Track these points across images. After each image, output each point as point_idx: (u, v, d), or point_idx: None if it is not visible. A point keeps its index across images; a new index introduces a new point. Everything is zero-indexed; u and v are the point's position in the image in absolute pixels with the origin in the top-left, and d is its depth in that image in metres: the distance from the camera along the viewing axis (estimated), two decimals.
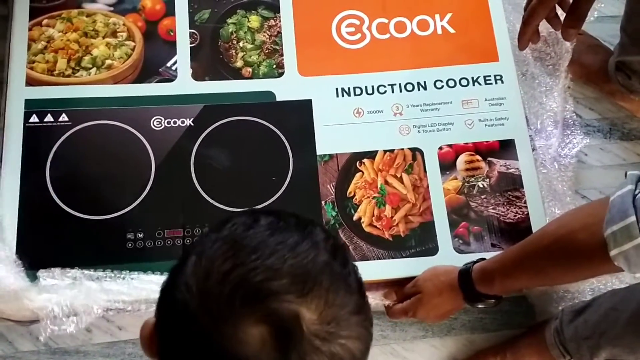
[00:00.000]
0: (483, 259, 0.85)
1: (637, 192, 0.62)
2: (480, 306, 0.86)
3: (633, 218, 0.61)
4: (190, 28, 1.05)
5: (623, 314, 0.81)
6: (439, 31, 1.07)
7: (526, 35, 0.93)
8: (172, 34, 1.04)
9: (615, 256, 0.63)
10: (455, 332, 1.01)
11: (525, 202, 0.99)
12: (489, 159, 1.01)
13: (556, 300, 0.98)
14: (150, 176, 0.97)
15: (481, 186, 0.99)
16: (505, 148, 1.02)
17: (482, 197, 0.99)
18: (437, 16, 1.08)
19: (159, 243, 0.94)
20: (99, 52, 1.02)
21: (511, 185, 0.99)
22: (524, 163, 1.00)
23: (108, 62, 1.02)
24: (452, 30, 1.07)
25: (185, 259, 0.48)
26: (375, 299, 0.93)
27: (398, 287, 0.94)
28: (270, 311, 0.43)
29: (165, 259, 0.93)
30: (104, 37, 1.03)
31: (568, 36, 0.94)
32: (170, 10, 1.06)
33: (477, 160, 1.01)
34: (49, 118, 0.98)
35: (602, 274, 0.79)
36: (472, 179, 1.00)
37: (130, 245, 0.93)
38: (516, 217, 0.98)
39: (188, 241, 0.94)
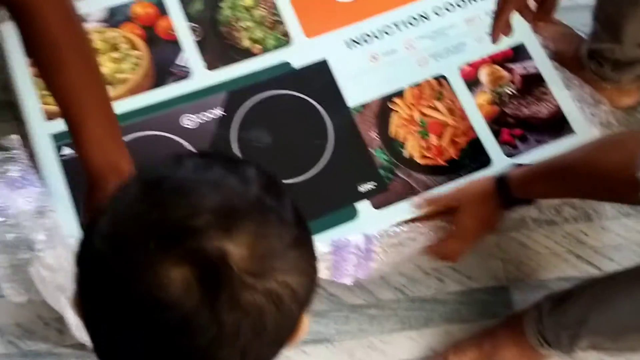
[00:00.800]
0: (519, 165, 0.89)
1: None
2: (515, 210, 0.89)
3: None
4: (188, 22, 1.04)
5: (603, 303, 0.82)
6: None
7: (498, 28, 0.91)
8: (172, 32, 1.03)
9: None
10: (433, 324, 1.02)
11: (552, 95, 1.04)
12: (507, 65, 1.05)
13: (534, 290, 1.01)
14: None
15: (509, 92, 1.04)
16: (518, 52, 1.06)
17: (513, 101, 1.03)
18: None
19: None
20: (107, 69, 1.00)
21: (535, 83, 1.04)
22: (539, 60, 1.05)
23: (120, 76, 1.00)
24: None
25: (104, 209, 0.43)
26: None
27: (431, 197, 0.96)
28: (191, 251, 0.38)
29: None
30: (106, 54, 1.01)
31: (538, 29, 0.98)
32: (163, 11, 1.05)
33: (498, 70, 1.05)
34: None
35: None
36: (499, 88, 1.04)
37: None
38: (549, 111, 1.03)
39: None
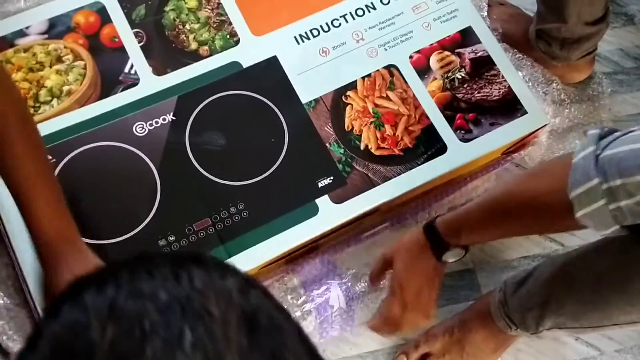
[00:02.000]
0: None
1: (598, 152, 0.63)
2: (450, 260, 0.84)
3: (596, 180, 0.62)
4: (132, 28, 1.02)
5: (563, 282, 0.82)
6: None
7: None
8: (116, 40, 1.02)
9: (580, 217, 0.65)
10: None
11: (503, 77, 1.05)
12: (457, 50, 1.06)
13: (500, 271, 1.01)
14: (156, 181, 0.95)
15: (460, 77, 1.04)
16: (466, 36, 1.07)
17: (465, 86, 1.04)
18: None
19: (193, 238, 0.93)
20: (52, 82, 0.98)
21: (485, 66, 1.05)
22: (488, 43, 1.06)
23: (66, 88, 0.98)
24: None
25: None
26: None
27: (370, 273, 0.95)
28: None
29: (204, 251, 0.92)
30: (51, 66, 0.99)
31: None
32: (105, 18, 1.02)
33: (447, 56, 1.05)
34: None
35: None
36: (450, 74, 1.04)
37: (166, 250, 0.91)
38: (501, 92, 1.04)
39: (219, 226, 0.94)
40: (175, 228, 0.93)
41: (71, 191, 0.93)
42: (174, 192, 0.95)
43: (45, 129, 0.95)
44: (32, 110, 0.97)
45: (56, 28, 1.01)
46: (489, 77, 1.04)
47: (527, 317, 0.87)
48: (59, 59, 1.00)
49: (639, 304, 0.73)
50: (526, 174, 0.82)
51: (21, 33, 1.01)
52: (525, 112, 1.03)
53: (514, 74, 1.04)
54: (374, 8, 1.07)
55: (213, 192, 0.95)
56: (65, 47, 1.00)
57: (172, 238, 0.93)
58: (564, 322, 0.83)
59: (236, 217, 0.94)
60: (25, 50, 1.00)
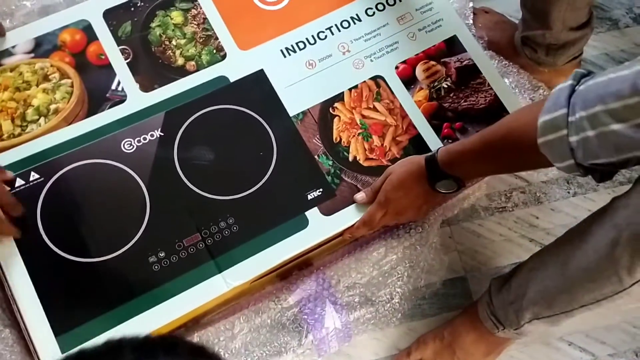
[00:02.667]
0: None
1: (575, 85, 0.65)
2: (442, 190, 0.89)
3: (563, 111, 0.64)
4: (118, 45, 1.03)
5: (537, 272, 0.84)
6: None
7: None
8: (103, 57, 1.02)
9: (541, 144, 0.66)
10: (396, 323, 1.03)
11: (488, 85, 1.05)
12: (442, 60, 1.06)
13: (491, 278, 1.00)
14: (145, 197, 0.95)
15: (446, 86, 1.05)
16: (452, 45, 1.07)
17: (451, 95, 1.04)
18: None
19: (183, 254, 0.93)
20: (39, 101, 0.98)
21: (470, 74, 1.06)
22: (473, 51, 1.07)
23: (53, 107, 0.98)
24: None
25: None
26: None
27: (372, 186, 0.96)
28: None
29: (194, 266, 0.92)
30: (37, 85, 0.99)
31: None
32: (91, 36, 1.03)
33: (433, 65, 1.06)
34: (19, 182, 0.94)
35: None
36: (436, 83, 1.05)
37: (156, 267, 0.91)
38: (487, 100, 1.04)
39: (209, 241, 0.94)
40: (165, 244, 0.93)
41: (60, 210, 0.93)
42: (163, 208, 0.95)
43: (33, 148, 0.96)
44: (19, 130, 0.97)
45: (42, 47, 1.01)
46: (475, 85, 1.05)
47: (509, 312, 0.88)
48: (46, 78, 1.00)
49: (599, 278, 0.74)
50: (511, 114, 0.84)
51: (7, 52, 1.01)
52: None
53: (499, 81, 1.05)
54: (360, 20, 1.08)
55: (202, 207, 0.95)
56: (51, 66, 1.00)
57: (162, 254, 0.92)
58: (539, 311, 0.84)
59: (226, 232, 0.94)
60: (12, 70, 1.00)
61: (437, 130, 1.02)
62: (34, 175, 0.94)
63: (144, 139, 0.98)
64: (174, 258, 0.92)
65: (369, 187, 0.95)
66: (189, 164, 0.97)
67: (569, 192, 1.16)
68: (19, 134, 0.96)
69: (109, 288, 0.90)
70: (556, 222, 1.14)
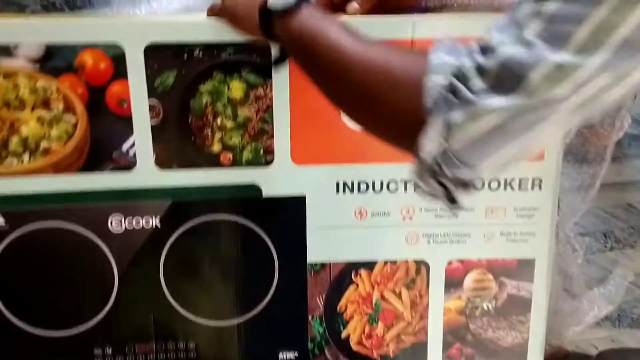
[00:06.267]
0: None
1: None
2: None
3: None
4: (149, 97, 0.79)
5: None
6: None
7: None
8: (125, 105, 0.79)
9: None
10: None
11: (527, 328, 0.92)
12: (502, 278, 0.90)
13: None
14: (114, 285, 0.85)
15: (485, 308, 0.91)
16: (523, 267, 0.90)
17: (484, 319, 0.91)
18: None
19: (129, 359, 0.87)
20: (29, 131, 0.78)
21: (518, 309, 0.91)
22: (538, 287, 0.90)
23: (44, 144, 0.79)
24: None
25: None
26: None
27: None
28: None
29: None
30: (33, 109, 0.78)
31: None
32: (120, 71, 0.77)
33: (488, 280, 0.90)
34: None
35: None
36: (478, 300, 0.90)
37: None
38: (514, 342, 0.92)
39: (161, 356, 0.88)
40: (117, 342, 0.87)
41: (17, 266, 0.83)
42: (128, 304, 0.86)
43: (5, 185, 0.79)
44: None
45: (53, 60, 0.76)
46: (514, 321, 0.91)
47: None
48: (46, 103, 0.78)
49: None
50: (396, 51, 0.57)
51: (6, 50, 0.75)
52: None
53: (540, 332, 0.91)
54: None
55: (170, 320, 0.87)
56: (57, 91, 0.77)
57: (109, 351, 0.87)
58: None
59: (181, 355, 0.88)
60: (7, 76, 0.76)
61: (446, 347, 0.91)
62: None
63: (137, 223, 0.83)
64: (119, 359, 0.87)
65: None
66: (174, 270, 0.85)
67: None
68: None
69: None
70: None
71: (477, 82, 0.48)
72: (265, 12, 0.66)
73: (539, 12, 0.46)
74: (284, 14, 0.63)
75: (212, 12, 0.75)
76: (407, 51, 0.58)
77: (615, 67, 0.45)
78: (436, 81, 0.50)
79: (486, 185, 0.86)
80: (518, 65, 0.47)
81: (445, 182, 0.54)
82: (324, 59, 0.60)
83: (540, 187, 0.86)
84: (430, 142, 0.51)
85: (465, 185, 0.54)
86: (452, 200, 0.55)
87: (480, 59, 0.49)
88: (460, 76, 0.49)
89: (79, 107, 0.78)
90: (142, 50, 0.76)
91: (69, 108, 0.78)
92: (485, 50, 0.49)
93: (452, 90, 0.49)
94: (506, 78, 0.47)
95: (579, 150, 0.93)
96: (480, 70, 0.49)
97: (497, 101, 0.48)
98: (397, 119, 0.55)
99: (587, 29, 0.45)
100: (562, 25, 0.45)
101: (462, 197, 0.55)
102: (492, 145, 0.50)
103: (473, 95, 0.48)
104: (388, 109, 0.55)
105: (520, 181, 0.86)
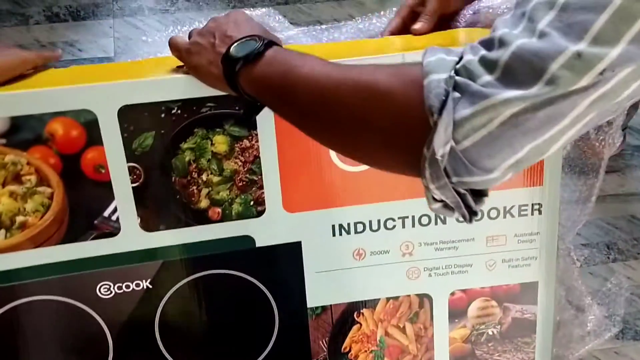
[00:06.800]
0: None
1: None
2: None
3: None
4: (128, 161, 0.74)
5: None
6: None
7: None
8: (103, 171, 0.74)
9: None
10: None
11: (533, 348, 0.91)
12: (505, 304, 0.88)
13: None
14: (109, 350, 0.82)
15: (490, 333, 0.89)
16: (526, 291, 0.88)
17: (489, 344, 0.90)
18: None
19: None
20: (2, 206, 0.73)
21: (523, 331, 0.90)
22: (543, 308, 0.89)
23: (20, 219, 0.74)
24: None
25: None
26: None
27: None
28: None
29: None
30: (4, 185, 0.73)
31: None
32: (93, 137, 0.72)
33: (492, 307, 0.88)
34: None
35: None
36: (482, 327, 0.89)
37: None
38: None
39: None
40: None
41: (5, 347, 0.79)
42: None
43: None
44: None
45: (20, 133, 0.71)
46: (519, 344, 0.90)
47: None
48: (17, 178, 0.73)
49: None
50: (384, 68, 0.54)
51: None
52: None
53: (547, 352, 0.91)
54: (443, 222, 0.83)
55: None
56: (28, 164, 0.72)
57: None
58: None
59: None
60: None
61: None
62: None
63: (127, 286, 0.79)
64: None
65: None
66: (170, 331, 0.82)
67: None
68: None
69: None
70: None
71: (485, 75, 0.46)
72: (229, 61, 0.61)
73: (552, 2, 0.44)
74: (249, 60, 0.59)
75: (172, 48, 0.70)
76: (387, 65, 0.54)
77: (637, 59, 0.43)
78: (437, 79, 0.47)
79: (485, 214, 0.83)
80: (535, 57, 0.44)
81: (459, 189, 0.50)
82: (300, 94, 0.56)
83: (540, 212, 0.84)
84: (441, 142, 0.47)
85: (479, 192, 0.52)
86: (468, 208, 0.52)
87: (486, 52, 0.46)
88: (464, 71, 0.47)
89: (54, 178, 0.73)
90: (116, 114, 0.71)
91: (42, 180, 0.73)
92: (490, 44, 0.47)
93: (456, 85, 0.47)
94: (521, 70, 0.45)
95: (577, 163, 0.90)
96: (487, 63, 0.46)
97: (511, 94, 0.45)
98: (397, 134, 0.51)
99: (606, 18, 0.42)
100: (578, 15, 0.43)
101: (477, 205, 0.53)
102: (503, 142, 0.47)
103: (483, 88, 0.46)
104: (384, 124, 0.51)
105: (519, 208, 0.83)
